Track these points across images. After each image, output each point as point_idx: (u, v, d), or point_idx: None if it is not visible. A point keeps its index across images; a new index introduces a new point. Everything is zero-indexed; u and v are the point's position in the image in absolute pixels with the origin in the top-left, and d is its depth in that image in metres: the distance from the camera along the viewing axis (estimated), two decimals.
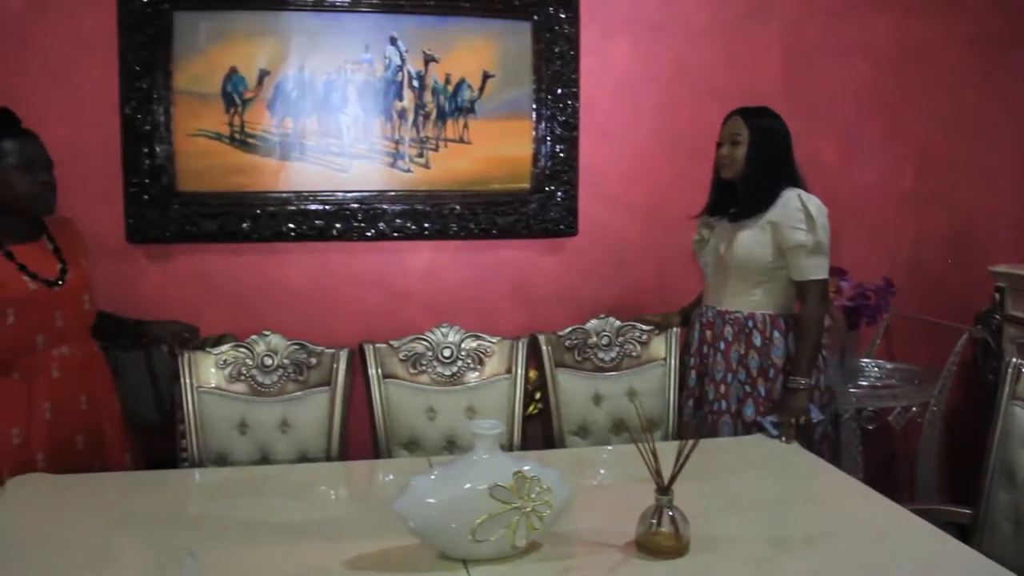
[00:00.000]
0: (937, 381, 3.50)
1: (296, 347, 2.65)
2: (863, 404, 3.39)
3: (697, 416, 2.87)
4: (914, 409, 3.43)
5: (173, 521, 2.10)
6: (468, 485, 1.77)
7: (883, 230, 3.85)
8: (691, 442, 1.84)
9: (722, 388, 2.79)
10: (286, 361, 2.64)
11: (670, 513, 1.83)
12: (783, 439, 2.58)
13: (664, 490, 1.84)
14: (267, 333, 2.66)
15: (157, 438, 2.94)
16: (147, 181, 3.24)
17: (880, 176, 3.84)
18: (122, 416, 2.70)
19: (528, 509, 1.78)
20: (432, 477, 1.80)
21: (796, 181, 2.78)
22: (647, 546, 1.84)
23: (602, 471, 2.53)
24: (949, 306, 3.84)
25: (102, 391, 2.61)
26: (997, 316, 3.72)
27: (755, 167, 2.76)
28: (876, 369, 3.72)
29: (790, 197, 2.72)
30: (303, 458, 2.61)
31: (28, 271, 2.41)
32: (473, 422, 1.82)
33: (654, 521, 1.84)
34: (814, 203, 2.71)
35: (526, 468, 1.80)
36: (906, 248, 3.91)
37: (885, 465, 3.77)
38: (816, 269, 2.72)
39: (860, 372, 3.66)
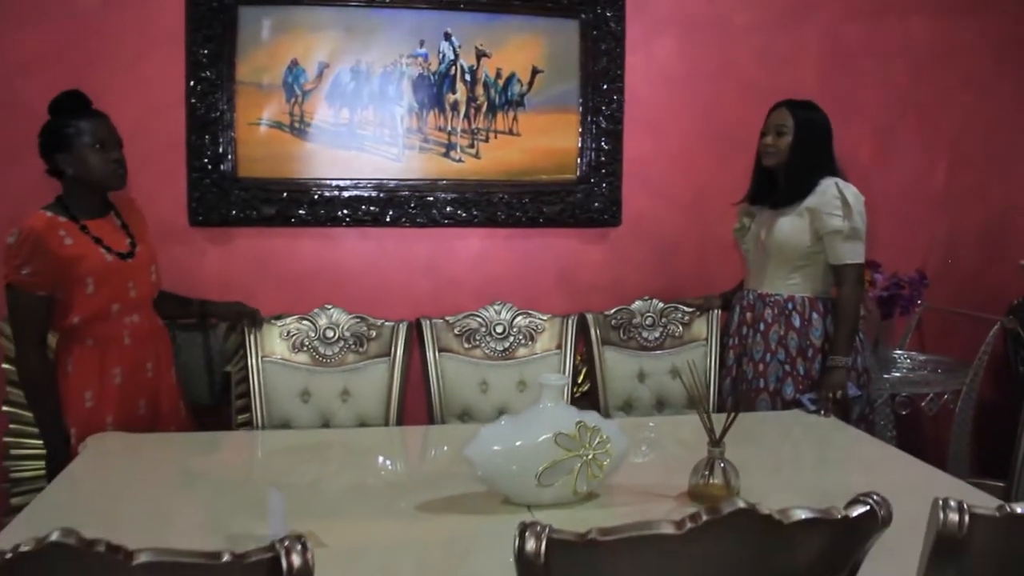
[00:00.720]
0: (969, 369, 3.59)
1: (357, 320, 2.79)
2: (897, 390, 3.49)
3: (734, 394, 2.98)
4: (946, 396, 3.53)
5: (241, 475, 2.23)
6: (534, 432, 1.89)
7: (917, 225, 3.95)
8: (738, 404, 1.96)
9: (760, 367, 2.90)
10: (347, 333, 2.78)
11: (722, 465, 1.95)
12: (822, 413, 2.68)
13: (716, 443, 1.95)
14: (329, 307, 2.80)
15: (208, 416, 3.08)
16: (210, 167, 3.39)
17: (914, 173, 3.95)
18: (179, 389, 2.82)
19: (589, 457, 1.90)
20: (501, 424, 1.92)
21: (835, 171, 2.90)
22: (700, 496, 1.95)
23: (652, 436, 2.65)
24: (982, 300, 3.93)
25: (164, 361, 2.73)
26: None
27: (797, 157, 2.87)
28: (909, 360, 3.81)
29: (828, 185, 2.84)
30: (363, 425, 2.75)
31: (103, 244, 2.55)
32: (541, 375, 1.93)
33: (707, 472, 1.95)
34: (851, 191, 2.82)
35: (588, 418, 1.92)
36: (939, 243, 4.01)
37: (918, 452, 3.84)
38: (852, 254, 2.83)
39: (893, 363, 3.75)
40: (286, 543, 1.04)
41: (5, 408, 3.33)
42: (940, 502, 1.20)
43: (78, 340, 2.53)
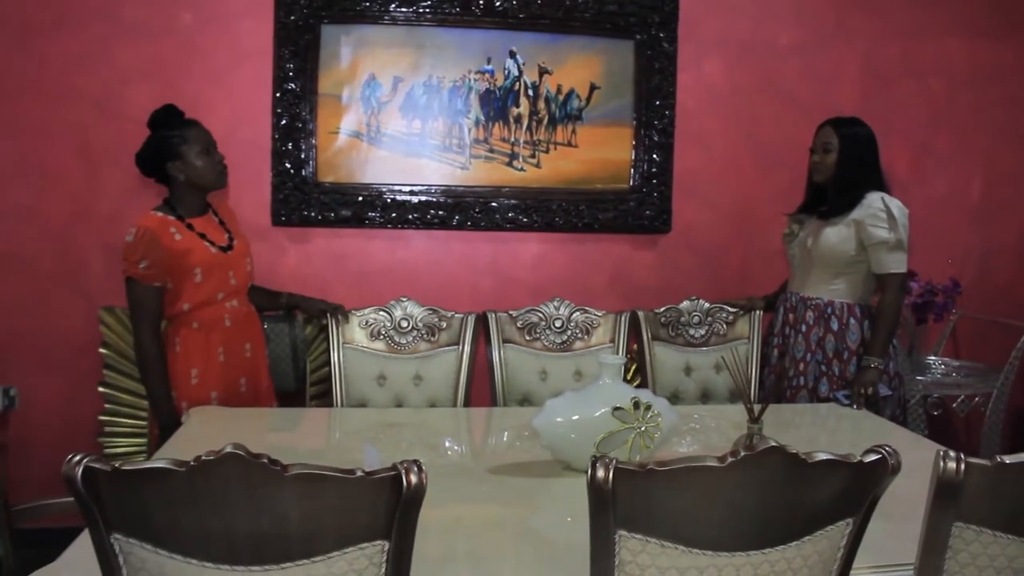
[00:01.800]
0: (1000, 373, 3.77)
1: (429, 312, 3.06)
2: (929, 391, 3.68)
3: (776, 390, 3.18)
4: (977, 399, 3.72)
5: (332, 441, 2.51)
6: (594, 406, 2.13)
7: (952, 237, 4.16)
8: (772, 376, 2.19)
9: (801, 366, 3.11)
10: (420, 324, 3.05)
11: (759, 440, 2.18)
12: (854, 407, 2.90)
13: (755, 420, 2.19)
14: (404, 299, 3.07)
15: (287, 402, 3.36)
16: (292, 172, 3.69)
17: (950, 187, 4.15)
18: (269, 372, 3.08)
19: (642, 429, 2.14)
20: (563, 399, 2.17)
21: (881, 185, 3.08)
22: None
23: (696, 424, 2.87)
24: (1015, 309, 4.12)
25: (259, 345, 2.99)
26: None
27: (842, 172, 3.07)
28: (942, 365, 3.99)
29: (874, 199, 3.03)
30: (433, 407, 3.01)
31: (207, 239, 2.82)
32: (600, 355, 2.19)
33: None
34: (896, 204, 3.01)
35: (642, 395, 2.17)
36: (975, 256, 4.20)
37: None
38: (896, 263, 3.02)
39: (927, 368, 3.94)
40: (405, 465, 1.30)
41: (101, 389, 3.64)
42: (941, 452, 1.44)
43: (186, 324, 2.78)
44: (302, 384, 3.51)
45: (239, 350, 2.89)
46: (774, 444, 1.33)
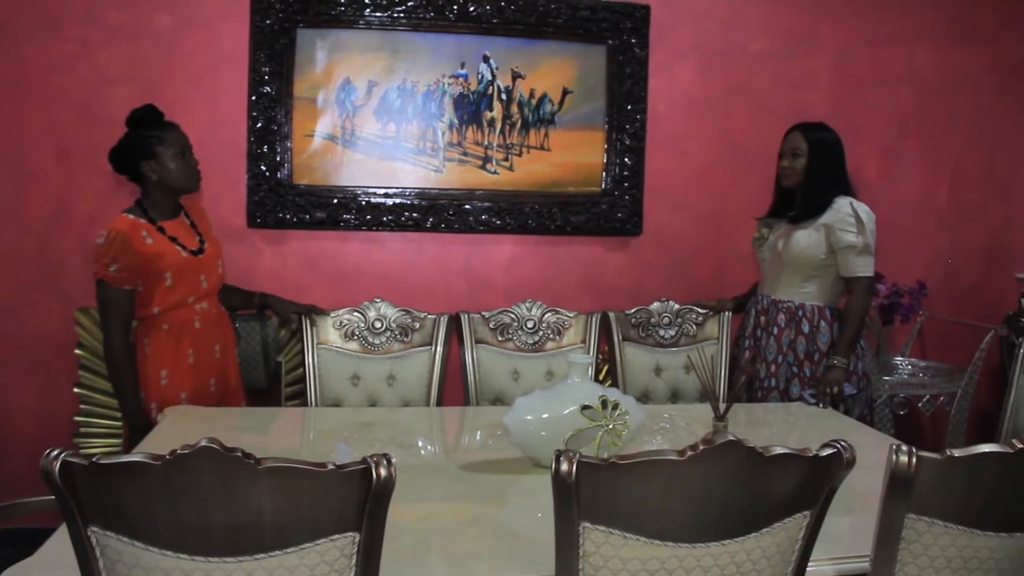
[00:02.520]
0: (964, 373, 3.84)
1: (403, 313, 3.10)
2: (895, 392, 3.75)
3: (748, 391, 3.23)
4: (942, 398, 3.79)
5: (305, 439, 2.55)
6: (562, 404, 2.18)
7: (920, 240, 4.24)
8: (743, 377, 2.25)
9: (772, 367, 3.17)
10: (394, 325, 3.09)
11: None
12: (820, 405, 2.96)
13: (721, 417, 2.24)
14: (377, 300, 3.11)
15: (259, 400, 3.39)
16: (268, 174, 3.71)
17: (918, 191, 4.23)
18: (239, 372, 3.10)
19: (610, 427, 2.18)
20: (533, 397, 2.22)
21: (848, 189, 3.14)
22: None
23: (665, 424, 2.91)
24: (981, 311, 4.21)
25: (229, 346, 3.02)
26: (1022, 319, 4.05)
27: (812, 177, 3.12)
28: (909, 366, 4.07)
29: (843, 204, 3.08)
30: (406, 406, 3.04)
31: (178, 242, 2.83)
32: (569, 354, 2.23)
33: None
34: (863, 209, 3.07)
35: (610, 393, 2.21)
36: (941, 258, 4.28)
37: None
38: (864, 267, 3.08)
39: (894, 368, 4.01)
40: (375, 458, 1.34)
41: (77, 390, 3.64)
42: (893, 447, 1.49)
43: (156, 326, 2.80)
44: (274, 382, 3.53)
45: (209, 351, 2.90)
46: (732, 438, 1.38)
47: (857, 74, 4.12)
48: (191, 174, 2.87)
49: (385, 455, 1.35)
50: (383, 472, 1.33)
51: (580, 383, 2.22)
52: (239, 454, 1.28)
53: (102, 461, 1.28)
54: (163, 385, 2.80)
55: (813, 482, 1.49)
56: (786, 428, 2.81)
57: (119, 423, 3.62)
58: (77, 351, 3.64)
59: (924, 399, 3.76)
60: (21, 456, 3.61)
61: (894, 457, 1.49)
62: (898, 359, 4.10)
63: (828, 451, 1.48)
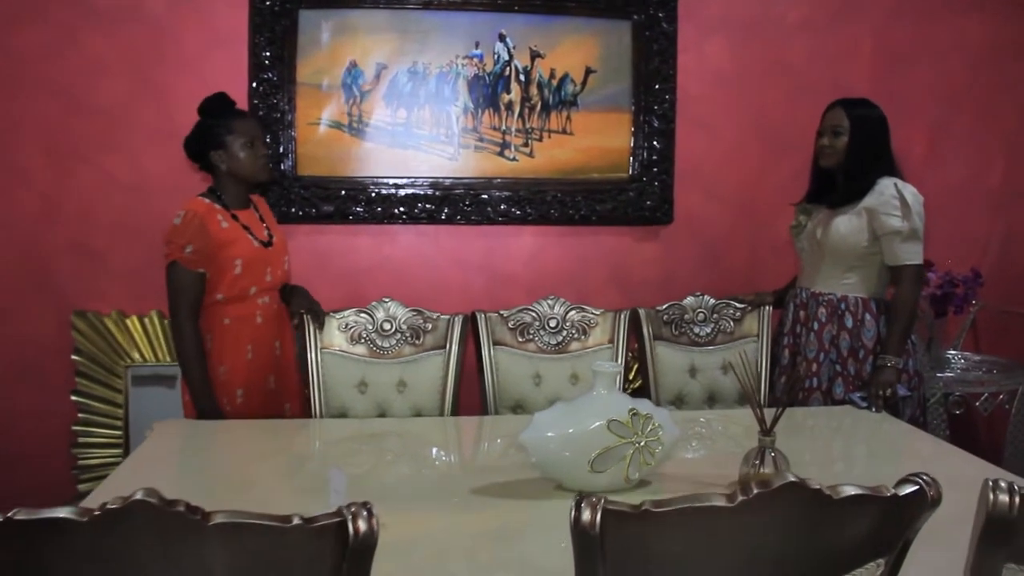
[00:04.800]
0: None
1: (413, 313, 2.86)
2: (950, 389, 3.47)
3: (791, 388, 2.99)
4: (1002, 396, 3.51)
5: (302, 461, 2.32)
6: (587, 419, 1.93)
7: (972, 224, 3.93)
8: (788, 390, 1.98)
9: (814, 367, 2.91)
10: (404, 326, 2.85)
11: (772, 454, 1.96)
12: (872, 409, 2.69)
13: (767, 432, 1.98)
14: (386, 300, 2.87)
15: None
16: (271, 166, 3.45)
17: (969, 171, 3.93)
18: (297, 369, 2.95)
19: (641, 444, 1.93)
20: (555, 411, 1.97)
21: (893, 170, 2.88)
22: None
23: (703, 430, 2.67)
24: None
25: (288, 342, 2.88)
26: None
27: (854, 157, 2.86)
28: (963, 360, 3.79)
29: (886, 185, 2.82)
30: (418, 416, 2.81)
31: (251, 231, 2.74)
32: (595, 362, 1.98)
33: (757, 461, 1.97)
34: (910, 191, 2.81)
35: (641, 406, 1.96)
36: (995, 243, 3.98)
37: (969, 451, 3.81)
38: (911, 254, 2.82)
39: (947, 363, 3.73)
40: (352, 509, 1.09)
41: (74, 398, 3.47)
42: (991, 483, 1.22)
43: (217, 320, 2.71)
44: None
45: (268, 348, 2.81)
46: (792, 479, 1.12)
47: (901, 45, 3.82)
48: (260, 164, 2.79)
49: (365, 504, 1.10)
50: (362, 527, 1.09)
51: (607, 395, 1.97)
52: (181, 508, 1.04)
53: (18, 517, 1.04)
54: (221, 380, 2.71)
55: (891, 526, 1.22)
56: (832, 435, 2.55)
57: (119, 432, 3.52)
58: (74, 357, 3.46)
59: (982, 397, 3.48)
60: (18, 470, 3.43)
61: (991, 495, 1.21)
62: (950, 353, 3.81)
63: (909, 488, 1.21)
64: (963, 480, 2.10)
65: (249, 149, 2.73)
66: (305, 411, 2.86)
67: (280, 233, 2.90)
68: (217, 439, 2.41)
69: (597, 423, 1.92)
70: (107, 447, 3.53)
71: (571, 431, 1.93)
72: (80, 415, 3.49)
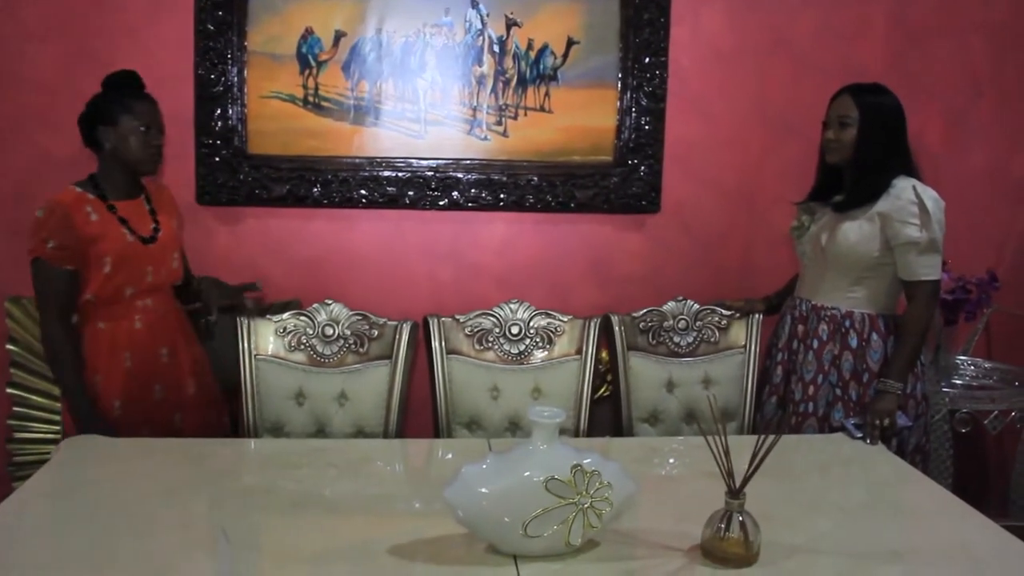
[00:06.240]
0: None
1: (358, 317, 2.57)
2: (957, 405, 3.18)
3: (779, 414, 2.70)
4: (1013, 414, 3.21)
5: (220, 493, 2.03)
6: (523, 476, 1.65)
7: (990, 221, 3.61)
8: (768, 440, 1.69)
9: (811, 389, 2.61)
10: (347, 332, 2.56)
11: (740, 518, 1.69)
12: (867, 440, 2.41)
13: (735, 493, 1.69)
14: (329, 302, 2.59)
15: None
16: (218, 143, 3.23)
17: (989, 162, 3.59)
18: (210, 374, 2.73)
19: (586, 505, 1.66)
20: (484, 466, 1.69)
21: (909, 169, 2.55)
22: (713, 553, 1.70)
23: (671, 463, 2.39)
24: None
25: (183, 347, 2.63)
26: None
27: (865, 152, 2.53)
28: (972, 368, 3.51)
29: (903, 187, 2.50)
30: (360, 433, 2.55)
31: (128, 225, 2.48)
32: (532, 408, 1.69)
33: (722, 526, 1.70)
34: (930, 195, 2.48)
35: (586, 461, 1.68)
36: (1014, 240, 3.65)
37: (975, 471, 3.53)
38: (928, 269, 2.50)
39: (955, 371, 3.45)
40: None
41: (9, 390, 3.27)
42: None
43: (92, 323, 2.49)
44: None
45: (152, 356, 2.56)
46: None
47: (919, 21, 3.46)
48: (148, 153, 2.52)
49: None
50: None
51: (546, 449, 1.68)
52: None
53: None
54: (96, 390, 2.47)
55: None
56: (817, 475, 2.26)
57: (58, 427, 3.26)
58: (9, 346, 3.24)
59: (992, 415, 3.17)
60: None
61: None
62: (960, 359, 3.51)
63: None
64: (957, 546, 1.84)
65: (142, 135, 2.48)
66: (208, 422, 2.63)
67: (172, 228, 2.64)
68: (119, 468, 2.12)
69: (533, 481, 1.64)
70: (45, 443, 3.29)
71: (503, 489, 1.65)
72: (16, 408, 3.27)
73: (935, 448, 3.12)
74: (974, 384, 3.36)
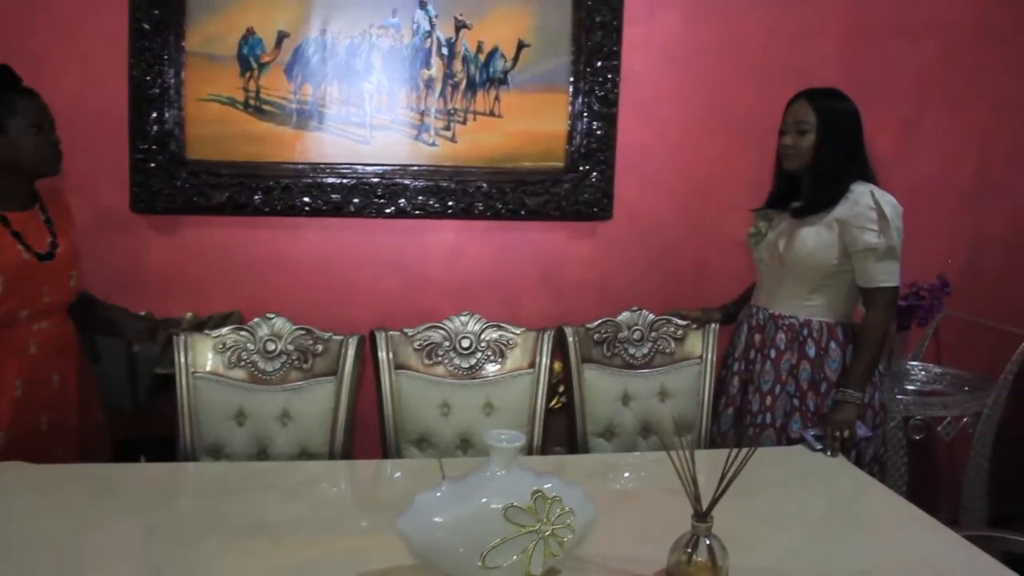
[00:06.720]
0: (991, 390, 3.26)
1: (302, 332, 2.45)
2: (911, 412, 3.17)
3: (736, 428, 2.65)
4: (965, 420, 3.21)
5: (152, 523, 1.90)
6: (480, 503, 1.56)
7: (940, 226, 3.61)
8: (735, 464, 1.62)
9: (768, 400, 2.57)
10: (290, 347, 2.44)
11: (707, 542, 1.62)
12: (828, 453, 2.36)
13: (703, 516, 1.62)
14: (271, 316, 2.46)
15: (136, 424, 2.86)
16: (154, 147, 3.09)
17: (940, 167, 3.59)
18: (93, 401, 2.58)
19: (547, 533, 1.58)
20: (439, 494, 1.59)
21: (867, 174, 2.52)
22: None
23: (630, 480, 2.32)
24: (1006, 310, 3.59)
25: (72, 373, 2.47)
26: None
27: (823, 158, 2.50)
28: (923, 373, 3.52)
29: (862, 193, 2.46)
30: (304, 453, 2.42)
31: (23, 240, 2.30)
32: (490, 432, 1.60)
33: (689, 551, 1.62)
34: (888, 201, 2.44)
35: (547, 487, 1.59)
36: (962, 246, 3.66)
37: (927, 478, 3.52)
38: (886, 275, 2.47)
39: (906, 376, 3.45)
40: None
41: None
42: None
43: None
44: (151, 404, 2.91)
45: (44, 383, 2.37)
46: None
47: (872, 25, 3.45)
48: (46, 152, 2.34)
49: None
50: None
51: (504, 475, 1.59)
52: None
53: None
54: None
55: None
56: (778, 491, 2.18)
57: None
58: None
59: (945, 421, 3.16)
60: None
61: None
62: (911, 364, 3.51)
63: None
64: (930, 558, 1.79)
65: (34, 134, 2.29)
66: (88, 450, 2.48)
67: (70, 241, 2.45)
68: (61, 492, 1.98)
69: (491, 509, 1.55)
70: None
71: (459, 518, 1.56)
72: None
73: (892, 457, 3.10)
74: (925, 390, 3.36)
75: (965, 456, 3.40)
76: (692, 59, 3.37)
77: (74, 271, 2.43)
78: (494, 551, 1.55)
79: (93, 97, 3.04)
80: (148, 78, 3.04)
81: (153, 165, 3.08)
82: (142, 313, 2.77)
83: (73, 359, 2.46)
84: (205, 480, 2.24)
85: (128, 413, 2.85)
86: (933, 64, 3.51)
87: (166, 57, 3.04)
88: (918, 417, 3.16)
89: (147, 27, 3.01)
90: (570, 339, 2.65)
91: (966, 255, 3.66)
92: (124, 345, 2.77)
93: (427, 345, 2.54)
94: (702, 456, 1.65)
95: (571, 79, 3.28)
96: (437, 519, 1.56)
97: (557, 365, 2.76)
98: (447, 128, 3.23)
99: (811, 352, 2.53)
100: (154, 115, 3.06)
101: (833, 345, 2.53)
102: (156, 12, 3.01)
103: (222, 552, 1.78)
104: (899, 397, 3.17)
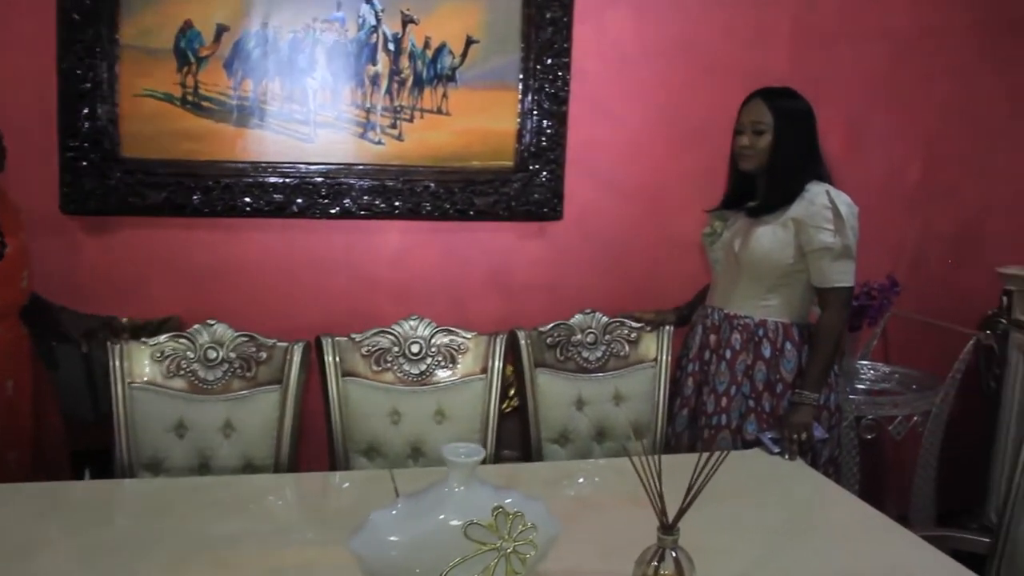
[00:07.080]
0: (940, 388, 3.28)
1: (244, 339, 2.35)
2: (862, 412, 3.17)
3: (691, 429, 2.62)
4: (916, 418, 3.22)
5: (88, 545, 1.80)
6: (439, 521, 1.49)
7: (888, 226, 3.60)
8: (704, 472, 1.57)
9: (723, 401, 2.53)
10: (232, 355, 2.34)
11: (674, 555, 1.56)
12: (785, 456, 2.34)
13: (668, 529, 1.57)
14: (212, 322, 2.35)
15: (96, 435, 2.65)
16: (86, 145, 2.95)
17: (888, 167, 3.60)
18: (54, 407, 2.51)
19: (509, 550, 1.50)
20: (395, 512, 1.51)
21: (822, 174, 2.51)
22: None
23: (590, 490, 2.27)
24: (953, 308, 3.62)
25: (26, 378, 2.38)
26: (1003, 320, 3.55)
27: (780, 158, 2.48)
28: (872, 372, 3.53)
29: (817, 193, 2.44)
30: (248, 466, 2.32)
31: None
32: (447, 446, 1.52)
33: (656, 564, 1.57)
34: (843, 200, 2.43)
35: (508, 502, 1.52)
36: (910, 246, 3.68)
37: (876, 478, 3.53)
38: (841, 275, 2.45)
39: (856, 375, 3.45)
40: None
41: None
42: None
43: None
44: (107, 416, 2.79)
45: None
46: None
47: (822, 26, 3.44)
48: None
49: None
50: None
51: (463, 491, 1.52)
52: None
53: None
54: None
55: None
56: (739, 496, 2.13)
57: None
58: None
59: (896, 420, 3.17)
60: None
61: None
62: (860, 363, 3.51)
63: None
64: (892, 560, 1.77)
65: None
66: (46, 461, 2.41)
67: (20, 241, 2.39)
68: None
69: (450, 526, 1.48)
70: None
71: (418, 537, 1.48)
72: None
73: (845, 457, 3.09)
74: (875, 389, 3.37)
75: (913, 454, 3.41)
76: (643, 58, 3.33)
77: (25, 271, 2.36)
78: (454, 571, 1.48)
79: (18, 92, 2.89)
80: (79, 72, 2.89)
81: (85, 164, 2.93)
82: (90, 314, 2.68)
83: (26, 364, 2.38)
84: (145, 496, 2.13)
85: (90, 423, 2.74)
86: (882, 66, 3.51)
87: (98, 50, 2.90)
88: (870, 417, 3.16)
89: (77, 17, 2.86)
90: (523, 343, 2.58)
91: (913, 255, 3.67)
92: (80, 353, 2.66)
93: (375, 351, 2.46)
94: (663, 463, 1.59)
95: (521, 76, 3.21)
96: (393, 538, 1.49)
97: (508, 369, 2.70)
98: (393, 126, 3.14)
99: (767, 353, 2.50)
100: (86, 111, 2.92)
101: (789, 346, 2.50)
102: (87, 2, 2.86)
103: (164, 574, 1.68)
104: (851, 397, 3.17)
